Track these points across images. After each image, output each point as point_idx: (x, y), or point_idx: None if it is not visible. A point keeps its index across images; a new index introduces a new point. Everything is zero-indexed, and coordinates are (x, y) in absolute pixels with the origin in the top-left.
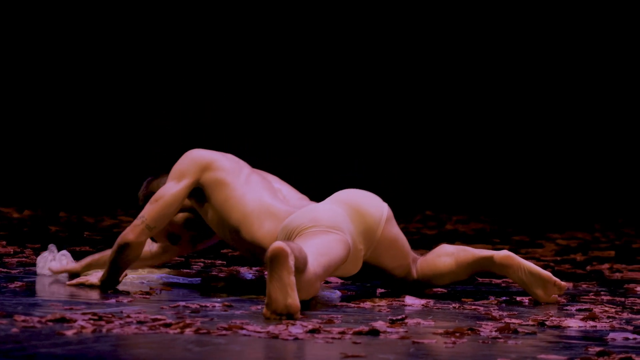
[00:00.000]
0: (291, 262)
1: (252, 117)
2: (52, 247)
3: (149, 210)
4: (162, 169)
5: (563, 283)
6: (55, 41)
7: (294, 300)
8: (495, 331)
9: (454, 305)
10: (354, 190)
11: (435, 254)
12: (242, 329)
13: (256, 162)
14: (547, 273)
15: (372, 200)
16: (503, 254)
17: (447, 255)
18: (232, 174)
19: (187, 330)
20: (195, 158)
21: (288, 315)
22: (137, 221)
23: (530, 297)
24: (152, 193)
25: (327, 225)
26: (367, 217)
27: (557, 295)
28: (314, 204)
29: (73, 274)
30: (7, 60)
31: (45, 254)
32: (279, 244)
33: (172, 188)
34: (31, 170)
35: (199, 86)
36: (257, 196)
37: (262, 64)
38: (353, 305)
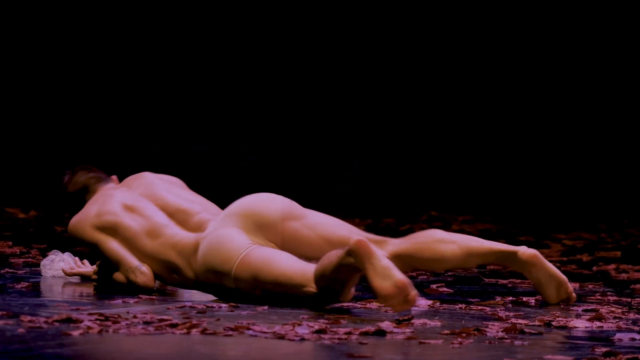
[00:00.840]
0: (375, 249)
1: (252, 117)
2: (55, 251)
3: (128, 260)
4: (162, 169)
5: (574, 295)
6: (57, 42)
7: (399, 276)
8: (502, 332)
9: (460, 305)
10: (242, 198)
11: (432, 238)
12: (249, 329)
13: (256, 162)
14: (564, 277)
15: (260, 198)
16: (531, 253)
17: (450, 242)
18: (125, 220)
19: (194, 331)
20: (84, 225)
21: (404, 295)
22: (140, 274)
23: (537, 298)
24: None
25: (239, 247)
26: (257, 216)
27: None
28: (205, 232)
29: (85, 277)
30: (8, 61)
31: (50, 256)
32: (357, 240)
33: (108, 244)
34: (36, 171)
35: (199, 86)
36: (158, 244)
37: (261, 64)
38: (359, 305)
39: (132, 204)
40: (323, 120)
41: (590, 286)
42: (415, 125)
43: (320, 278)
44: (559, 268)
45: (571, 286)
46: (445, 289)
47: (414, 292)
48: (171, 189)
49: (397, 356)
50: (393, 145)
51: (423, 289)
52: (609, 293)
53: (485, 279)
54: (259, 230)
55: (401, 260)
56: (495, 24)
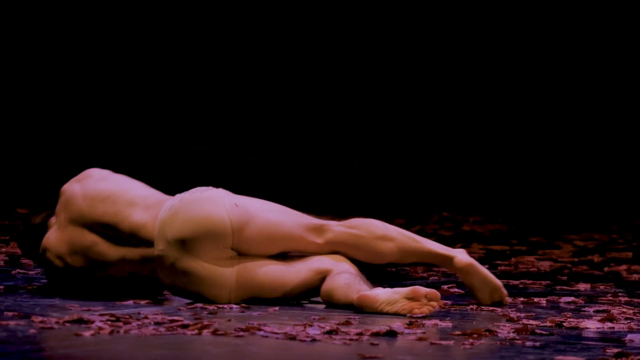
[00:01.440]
0: (374, 293)
1: (252, 117)
2: None
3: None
4: (163, 169)
5: (507, 299)
6: (59, 46)
7: (406, 290)
8: (513, 332)
9: (471, 306)
10: (188, 208)
11: (373, 234)
12: (260, 330)
13: (256, 162)
14: (498, 283)
15: (209, 217)
16: (466, 262)
17: (389, 240)
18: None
19: (205, 332)
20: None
21: (423, 299)
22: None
23: (548, 298)
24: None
25: (222, 280)
26: (210, 238)
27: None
28: (156, 250)
29: None
30: (15, 66)
31: None
32: (358, 297)
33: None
34: (46, 172)
35: (199, 86)
36: (107, 261)
37: (261, 64)
38: None
39: (63, 245)
40: (323, 120)
41: (601, 287)
42: (427, 126)
43: (328, 301)
44: (569, 269)
45: (505, 290)
46: (456, 290)
47: (428, 290)
48: (91, 201)
49: (409, 357)
50: (405, 146)
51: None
52: (620, 294)
53: None
54: (214, 246)
55: (337, 248)
56: (499, 25)
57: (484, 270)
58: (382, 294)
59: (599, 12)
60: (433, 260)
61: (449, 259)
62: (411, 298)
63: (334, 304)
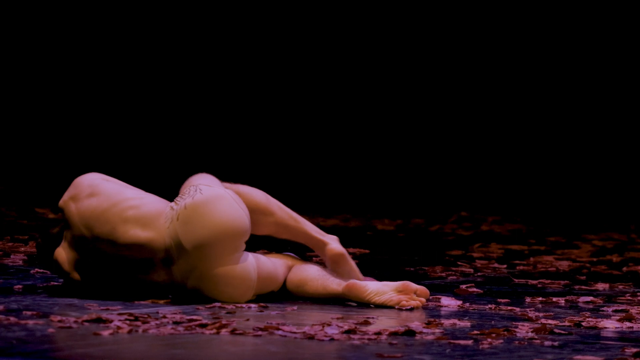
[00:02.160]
0: (361, 283)
1: (252, 117)
2: None
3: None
4: (163, 169)
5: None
6: (63, 48)
7: (394, 284)
8: (532, 332)
9: (490, 306)
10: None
11: (254, 205)
12: (278, 329)
13: (256, 161)
14: (362, 278)
15: (229, 224)
16: (337, 251)
17: (269, 214)
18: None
19: (223, 331)
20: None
21: (411, 292)
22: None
23: (566, 298)
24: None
25: (248, 287)
26: (237, 241)
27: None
28: (175, 270)
29: None
30: (25, 68)
31: None
32: (346, 285)
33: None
34: (65, 171)
35: (198, 86)
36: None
37: (262, 65)
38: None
39: (72, 263)
40: (324, 120)
41: (620, 287)
42: (446, 127)
43: (296, 291)
44: (588, 269)
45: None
46: (474, 290)
47: (418, 287)
48: (87, 221)
49: (427, 357)
50: (424, 147)
51: (452, 289)
52: (639, 293)
53: (515, 280)
54: (235, 245)
55: None
56: (518, 27)
57: (352, 263)
58: (372, 285)
59: (605, 12)
60: (306, 242)
61: (321, 244)
62: (400, 291)
63: (301, 294)
